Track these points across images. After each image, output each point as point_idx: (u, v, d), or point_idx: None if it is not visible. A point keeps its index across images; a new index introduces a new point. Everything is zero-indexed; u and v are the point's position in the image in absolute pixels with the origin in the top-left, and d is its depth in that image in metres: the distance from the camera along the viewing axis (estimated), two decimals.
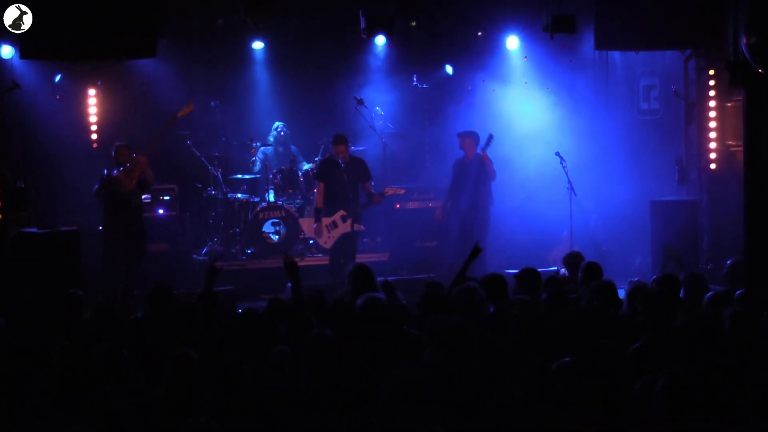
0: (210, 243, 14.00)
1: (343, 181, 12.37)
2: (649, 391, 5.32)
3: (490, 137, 12.85)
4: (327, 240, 12.58)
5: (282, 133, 14.81)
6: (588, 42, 13.23)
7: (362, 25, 12.34)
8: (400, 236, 14.09)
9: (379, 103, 14.90)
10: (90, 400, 5.77)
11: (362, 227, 12.91)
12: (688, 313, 7.05)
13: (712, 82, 13.12)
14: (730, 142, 13.02)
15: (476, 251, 8.66)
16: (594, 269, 8.55)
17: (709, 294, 7.76)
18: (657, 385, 5.26)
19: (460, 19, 14.44)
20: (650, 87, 14.23)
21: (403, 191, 13.43)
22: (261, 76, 15.15)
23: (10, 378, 5.53)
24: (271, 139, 14.82)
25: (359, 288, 8.13)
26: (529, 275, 8.33)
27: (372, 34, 12.48)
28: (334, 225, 12.55)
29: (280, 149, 14.84)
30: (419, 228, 14.12)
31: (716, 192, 13.28)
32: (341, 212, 12.50)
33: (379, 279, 10.39)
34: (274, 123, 14.95)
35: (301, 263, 13.61)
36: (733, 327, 6.52)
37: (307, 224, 13.45)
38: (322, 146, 14.56)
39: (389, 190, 12.83)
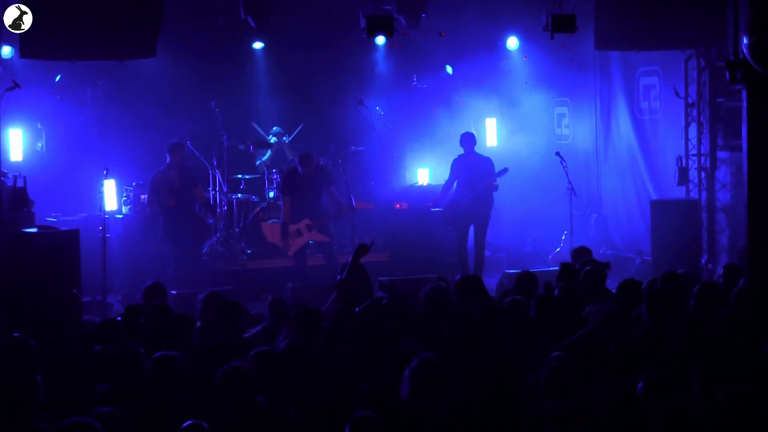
0: (210, 243, 13.97)
1: (309, 191, 12.24)
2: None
3: (505, 170, 12.82)
4: (288, 247, 12.39)
5: (275, 139, 14.75)
6: (588, 42, 13.22)
7: (362, 25, 12.33)
8: (399, 236, 14.06)
9: (379, 103, 14.89)
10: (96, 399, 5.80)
11: (327, 238, 12.52)
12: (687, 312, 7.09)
13: (712, 82, 13.12)
14: (730, 142, 13.02)
15: (363, 249, 8.65)
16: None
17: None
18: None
19: (460, 19, 14.43)
20: (650, 87, 14.23)
21: (372, 206, 13.34)
22: (261, 77, 15.13)
23: (11, 378, 5.52)
24: (271, 141, 14.79)
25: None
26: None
27: (372, 35, 12.46)
28: (299, 233, 12.37)
29: (278, 151, 14.82)
30: (419, 228, 14.09)
31: (716, 192, 13.31)
32: (306, 221, 12.35)
33: (380, 279, 10.44)
34: (272, 127, 14.92)
35: None
36: (730, 327, 6.53)
37: (269, 229, 13.01)
38: (331, 147, 14.54)
39: (359, 204, 12.72)
